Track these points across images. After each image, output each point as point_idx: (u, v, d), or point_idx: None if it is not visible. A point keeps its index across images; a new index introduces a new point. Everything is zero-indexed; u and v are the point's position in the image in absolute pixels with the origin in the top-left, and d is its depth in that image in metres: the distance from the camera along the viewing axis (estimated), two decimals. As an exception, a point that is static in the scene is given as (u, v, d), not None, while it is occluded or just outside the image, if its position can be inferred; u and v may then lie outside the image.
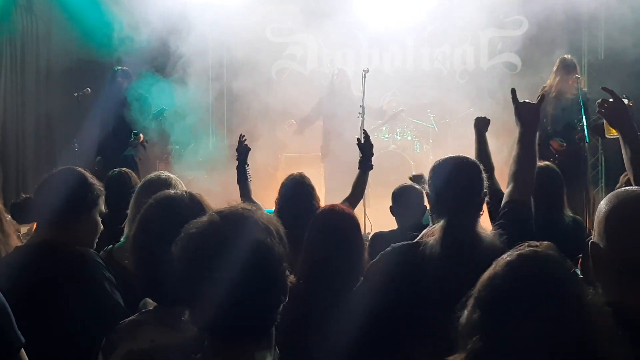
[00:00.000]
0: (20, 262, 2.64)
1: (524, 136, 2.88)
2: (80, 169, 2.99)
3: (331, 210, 3.21)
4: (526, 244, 1.72)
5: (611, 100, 3.09)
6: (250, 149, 4.74)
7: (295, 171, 4.32)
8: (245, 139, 4.79)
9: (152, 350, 1.99)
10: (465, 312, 1.69)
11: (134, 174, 4.61)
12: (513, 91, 2.99)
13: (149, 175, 3.56)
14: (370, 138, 4.50)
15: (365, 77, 8.05)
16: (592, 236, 2.01)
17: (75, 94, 7.98)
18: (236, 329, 1.61)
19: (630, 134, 2.99)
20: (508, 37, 10.29)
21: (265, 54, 10.22)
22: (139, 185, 3.54)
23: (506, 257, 1.68)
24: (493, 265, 1.70)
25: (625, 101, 3.17)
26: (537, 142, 2.90)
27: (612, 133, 4.28)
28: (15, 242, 2.92)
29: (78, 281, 2.63)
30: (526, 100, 2.96)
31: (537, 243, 1.72)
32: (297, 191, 4.11)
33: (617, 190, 2.06)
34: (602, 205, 2.00)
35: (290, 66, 10.50)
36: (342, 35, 10.31)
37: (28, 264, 2.62)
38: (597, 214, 2.06)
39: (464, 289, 2.36)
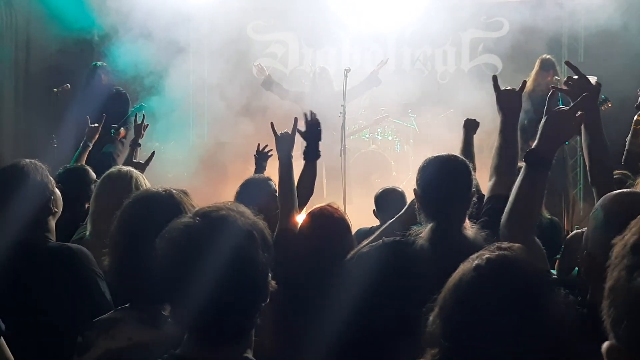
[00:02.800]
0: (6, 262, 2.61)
1: (505, 124, 2.81)
2: (25, 165, 2.83)
3: (321, 213, 3.17)
4: (496, 245, 1.64)
5: (576, 77, 2.95)
6: (270, 155, 4.77)
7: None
8: (266, 146, 4.85)
9: (130, 348, 1.96)
10: (430, 317, 1.62)
11: (89, 170, 4.50)
12: (494, 78, 2.91)
13: (109, 171, 3.50)
14: (320, 124, 3.93)
15: (346, 76, 8.04)
16: (585, 244, 1.93)
17: (55, 89, 7.89)
18: (213, 330, 1.61)
19: (592, 115, 2.84)
20: (489, 39, 10.33)
21: (246, 52, 10.18)
22: (99, 181, 3.50)
23: (474, 260, 1.60)
24: (459, 270, 1.62)
25: (593, 80, 3.03)
26: (518, 131, 2.83)
27: None
28: None
29: (75, 277, 2.64)
30: (507, 87, 2.89)
31: (508, 245, 1.65)
32: None
33: (611, 194, 1.99)
34: (599, 209, 1.93)
35: (271, 64, 10.45)
36: (323, 34, 10.30)
37: (21, 263, 2.62)
38: (591, 219, 1.99)
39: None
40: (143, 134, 5.24)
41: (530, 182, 2.31)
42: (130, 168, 3.51)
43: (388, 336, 2.43)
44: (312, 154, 3.75)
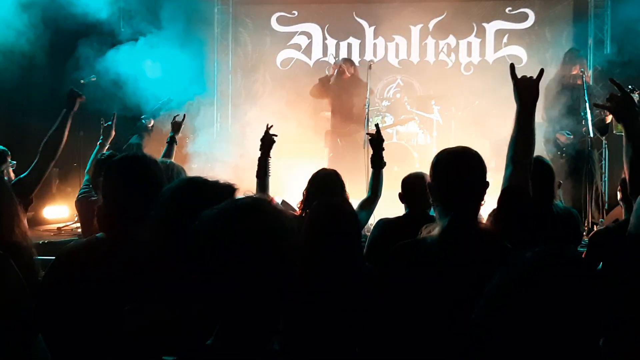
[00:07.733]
0: None
1: (522, 114, 2.76)
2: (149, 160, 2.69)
3: (326, 202, 3.16)
4: (546, 245, 1.61)
5: (619, 94, 3.02)
6: (275, 141, 4.42)
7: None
8: (272, 126, 4.49)
9: (166, 327, 2.00)
10: (477, 310, 1.60)
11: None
12: (512, 66, 2.86)
13: None
14: (381, 132, 4.31)
15: (370, 68, 8.05)
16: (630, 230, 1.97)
17: (82, 81, 8.00)
18: (243, 316, 1.63)
19: (635, 129, 2.95)
20: (514, 30, 10.27)
21: (270, 43, 10.23)
22: None
23: (523, 254, 1.57)
24: (509, 266, 1.59)
25: (637, 97, 3.10)
26: (534, 120, 2.82)
27: (619, 129, 4.12)
28: (25, 225, 2.80)
29: None
30: (525, 75, 2.85)
31: (554, 245, 1.63)
32: (329, 185, 4.03)
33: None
34: None
35: (295, 56, 10.49)
36: (347, 26, 10.30)
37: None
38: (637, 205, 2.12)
39: (463, 284, 2.36)
40: (180, 132, 5.28)
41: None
42: (171, 161, 3.53)
43: (403, 336, 2.45)
44: (377, 162, 4.25)
